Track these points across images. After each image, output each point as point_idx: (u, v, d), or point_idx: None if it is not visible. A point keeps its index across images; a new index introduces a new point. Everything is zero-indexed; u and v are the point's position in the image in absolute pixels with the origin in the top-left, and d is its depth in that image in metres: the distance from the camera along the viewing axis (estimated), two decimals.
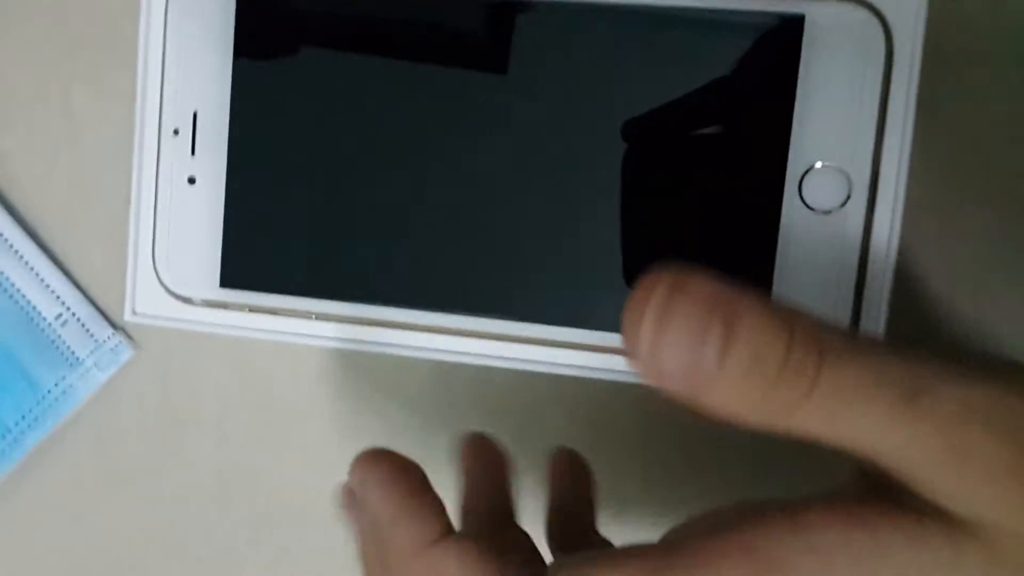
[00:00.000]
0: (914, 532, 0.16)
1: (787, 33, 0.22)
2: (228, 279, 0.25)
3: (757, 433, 0.16)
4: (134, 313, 0.25)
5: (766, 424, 0.16)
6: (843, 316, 0.23)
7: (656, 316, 0.16)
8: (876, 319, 0.23)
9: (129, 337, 0.31)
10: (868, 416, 0.16)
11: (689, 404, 0.16)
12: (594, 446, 0.25)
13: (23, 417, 0.31)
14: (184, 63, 0.25)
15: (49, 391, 0.31)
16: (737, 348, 0.16)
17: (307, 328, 0.25)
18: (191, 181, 0.25)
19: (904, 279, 0.23)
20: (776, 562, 0.16)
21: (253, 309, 0.25)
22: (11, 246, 0.31)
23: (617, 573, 0.16)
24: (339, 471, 0.29)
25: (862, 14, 0.22)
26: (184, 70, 0.25)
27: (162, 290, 0.25)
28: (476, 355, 0.24)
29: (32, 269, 0.31)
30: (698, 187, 0.23)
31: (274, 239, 0.24)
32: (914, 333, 0.24)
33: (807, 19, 0.22)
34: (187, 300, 0.25)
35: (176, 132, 0.25)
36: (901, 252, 0.23)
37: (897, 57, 0.22)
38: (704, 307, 0.16)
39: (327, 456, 0.30)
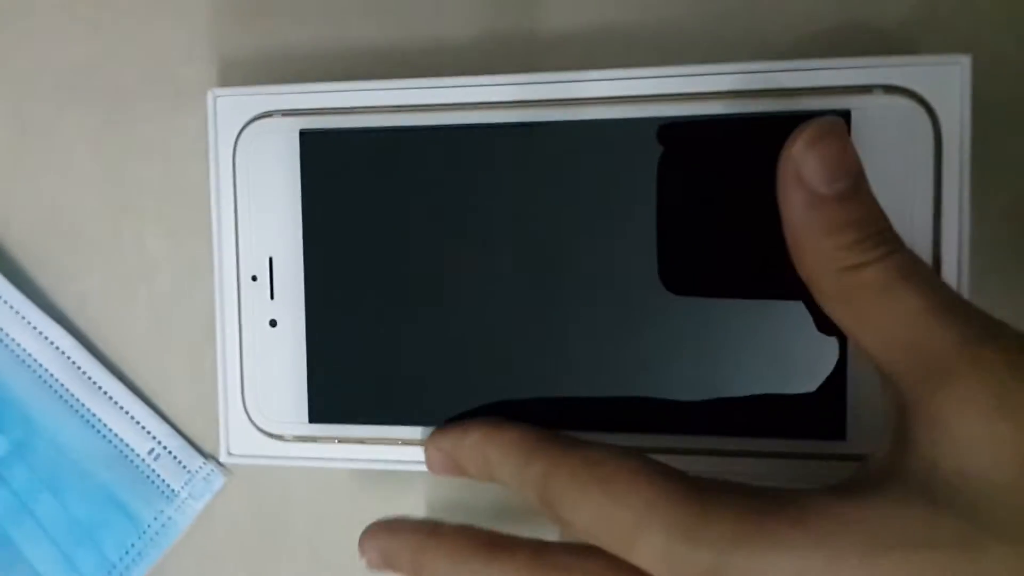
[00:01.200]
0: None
1: None
2: (317, 414, 0.26)
3: None
4: (229, 454, 0.26)
5: (828, 272, 0.20)
6: None
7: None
8: None
9: (220, 464, 0.32)
10: (909, 300, 0.19)
11: None
12: None
13: (127, 552, 0.32)
14: (255, 211, 0.26)
15: (149, 525, 0.32)
16: (850, 201, 0.20)
17: (395, 454, 0.25)
18: (272, 324, 0.26)
19: None
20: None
21: (342, 440, 0.26)
22: (99, 387, 0.32)
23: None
24: None
25: (907, 103, 0.22)
26: (256, 219, 0.26)
27: (254, 429, 0.26)
28: None
29: (121, 407, 0.32)
30: (756, 292, 0.23)
31: (358, 372, 0.25)
32: None
33: (853, 114, 0.23)
34: (279, 437, 0.26)
35: (254, 278, 0.26)
36: None
37: (946, 143, 0.22)
38: (846, 162, 0.20)
39: None
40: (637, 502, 0.19)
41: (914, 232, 0.23)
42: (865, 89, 0.23)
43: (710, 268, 0.24)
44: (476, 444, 0.23)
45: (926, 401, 0.18)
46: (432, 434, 0.25)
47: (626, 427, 0.24)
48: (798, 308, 0.23)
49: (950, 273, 0.22)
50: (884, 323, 0.19)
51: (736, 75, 0.23)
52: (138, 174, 0.32)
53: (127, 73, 0.31)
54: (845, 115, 0.23)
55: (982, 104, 0.22)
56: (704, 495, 0.19)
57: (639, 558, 0.19)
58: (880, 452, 0.20)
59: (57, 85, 0.32)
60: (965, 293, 0.22)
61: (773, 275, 0.23)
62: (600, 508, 0.20)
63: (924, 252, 0.23)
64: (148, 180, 0.32)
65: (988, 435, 0.17)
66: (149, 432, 0.32)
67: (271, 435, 0.26)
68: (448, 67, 0.28)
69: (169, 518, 0.32)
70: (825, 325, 0.23)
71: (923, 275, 0.19)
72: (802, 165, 0.20)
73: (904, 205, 0.23)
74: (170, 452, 0.32)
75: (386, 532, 0.23)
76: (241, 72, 0.29)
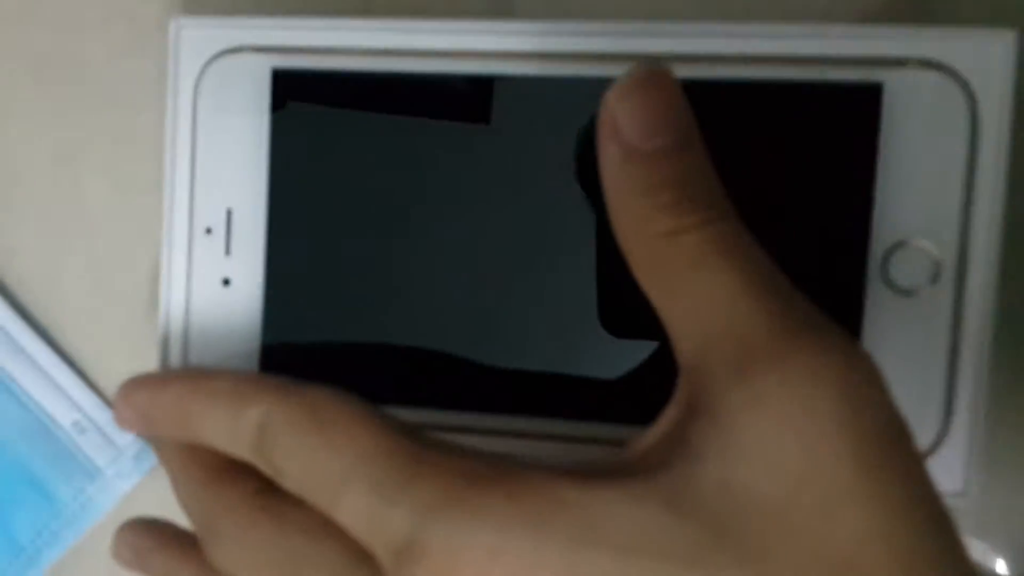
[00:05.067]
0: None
1: (865, 103, 0.21)
2: None
3: None
4: None
5: (641, 236, 0.17)
6: (934, 402, 0.21)
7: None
8: (973, 404, 0.21)
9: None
10: (723, 275, 0.16)
11: None
12: None
13: (39, 534, 0.28)
14: (215, 157, 0.23)
15: (67, 504, 0.28)
16: (673, 158, 0.17)
17: None
18: (226, 282, 0.23)
19: (1000, 359, 0.22)
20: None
21: None
22: (22, 349, 0.29)
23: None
24: None
25: (943, 80, 0.21)
26: (215, 165, 0.23)
27: None
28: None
29: (45, 373, 0.29)
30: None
31: (316, 342, 0.23)
32: (1015, 414, 0.22)
33: (885, 87, 0.21)
34: None
35: (208, 231, 0.23)
36: (995, 330, 0.21)
37: (983, 124, 0.21)
38: (672, 114, 0.17)
39: None
40: (351, 452, 0.17)
41: (942, 220, 0.21)
42: (899, 62, 0.21)
43: None
44: (178, 398, 0.20)
45: (718, 397, 0.16)
46: (123, 384, 0.22)
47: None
48: None
49: (977, 264, 0.21)
50: (693, 301, 0.17)
51: (755, 38, 0.21)
52: (84, 119, 0.29)
53: (77, 2, 0.28)
54: (876, 88, 0.21)
55: None
56: (424, 453, 0.17)
57: (343, 516, 0.17)
58: (642, 443, 0.17)
59: None
60: (992, 287, 0.21)
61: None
62: (312, 456, 0.17)
63: (951, 243, 0.21)
64: (95, 126, 0.28)
65: (773, 446, 0.15)
66: (75, 402, 0.28)
67: None
68: (445, 10, 0.25)
69: (90, 498, 0.28)
70: None
71: (746, 251, 0.17)
72: (618, 116, 0.17)
73: (933, 190, 0.21)
74: (97, 426, 0.28)
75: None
76: (209, 5, 0.27)
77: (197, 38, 0.23)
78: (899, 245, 0.21)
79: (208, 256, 0.23)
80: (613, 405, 0.22)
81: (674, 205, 0.17)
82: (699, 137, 0.17)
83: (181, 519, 0.28)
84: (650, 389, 0.22)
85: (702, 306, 0.16)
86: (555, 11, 0.25)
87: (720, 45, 0.21)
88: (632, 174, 0.17)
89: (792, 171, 0.21)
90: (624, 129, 0.17)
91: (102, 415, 0.28)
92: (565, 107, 0.22)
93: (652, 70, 0.17)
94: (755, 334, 0.16)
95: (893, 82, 0.21)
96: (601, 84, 0.21)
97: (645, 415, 0.18)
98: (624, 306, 0.22)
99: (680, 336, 0.17)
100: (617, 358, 0.22)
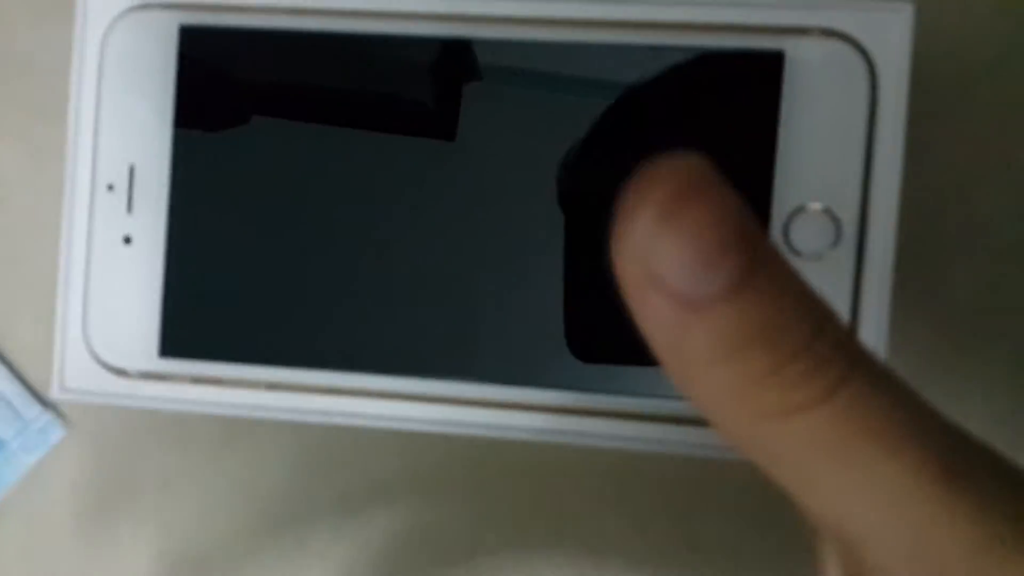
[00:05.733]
0: None
1: (766, 71, 0.21)
2: (168, 347, 0.22)
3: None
4: (63, 389, 0.23)
5: (737, 421, 0.12)
6: None
7: (665, 208, 0.12)
8: None
9: (60, 415, 0.28)
10: (885, 467, 0.12)
11: (656, 344, 0.12)
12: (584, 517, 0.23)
13: None
14: (120, 115, 0.23)
15: None
16: (751, 295, 0.12)
17: (258, 399, 0.22)
18: (127, 241, 0.23)
19: (898, 323, 0.22)
20: None
21: (196, 380, 0.23)
22: None
23: None
24: (295, 556, 0.27)
25: (843, 49, 0.21)
26: (120, 123, 0.23)
27: (94, 362, 0.23)
28: (440, 422, 0.22)
29: None
30: None
31: (219, 302, 0.22)
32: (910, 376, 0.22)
33: (787, 55, 0.21)
34: (122, 372, 0.23)
35: (111, 188, 0.23)
36: (894, 294, 0.21)
37: (882, 92, 0.21)
38: (730, 231, 0.12)
39: (281, 540, 0.27)
40: None
41: (842, 185, 0.21)
42: (801, 31, 0.21)
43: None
44: None
45: None
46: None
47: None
48: None
49: (876, 227, 0.21)
50: (841, 499, 0.12)
51: (659, 5, 0.21)
52: None
53: None
54: (778, 56, 0.21)
55: (922, 57, 0.21)
56: None
57: None
58: None
59: None
60: (891, 250, 0.21)
61: None
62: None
63: (850, 212, 0.21)
64: (7, 91, 0.28)
65: None
66: None
67: (113, 369, 0.23)
68: None
69: None
70: None
71: (897, 416, 0.12)
72: (653, 256, 0.12)
73: (834, 156, 0.21)
74: (4, 397, 0.28)
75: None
76: None
77: None
78: (800, 210, 0.21)
79: (110, 213, 0.23)
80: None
81: (775, 372, 0.12)
82: (771, 247, 0.12)
83: (89, 493, 0.28)
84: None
85: (862, 507, 0.12)
86: None
87: (624, 11, 0.21)
88: (698, 337, 0.12)
89: (694, 137, 0.21)
90: (667, 272, 0.12)
91: (7, 386, 0.28)
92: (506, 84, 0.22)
93: (686, 166, 0.12)
94: (950, 552, 0.12)
95: (794, 50, 0.21)
96: (508, 45, 0.21)
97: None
98: (591, 333, 0.22)
99: (839, 535, 0.13)
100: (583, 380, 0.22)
